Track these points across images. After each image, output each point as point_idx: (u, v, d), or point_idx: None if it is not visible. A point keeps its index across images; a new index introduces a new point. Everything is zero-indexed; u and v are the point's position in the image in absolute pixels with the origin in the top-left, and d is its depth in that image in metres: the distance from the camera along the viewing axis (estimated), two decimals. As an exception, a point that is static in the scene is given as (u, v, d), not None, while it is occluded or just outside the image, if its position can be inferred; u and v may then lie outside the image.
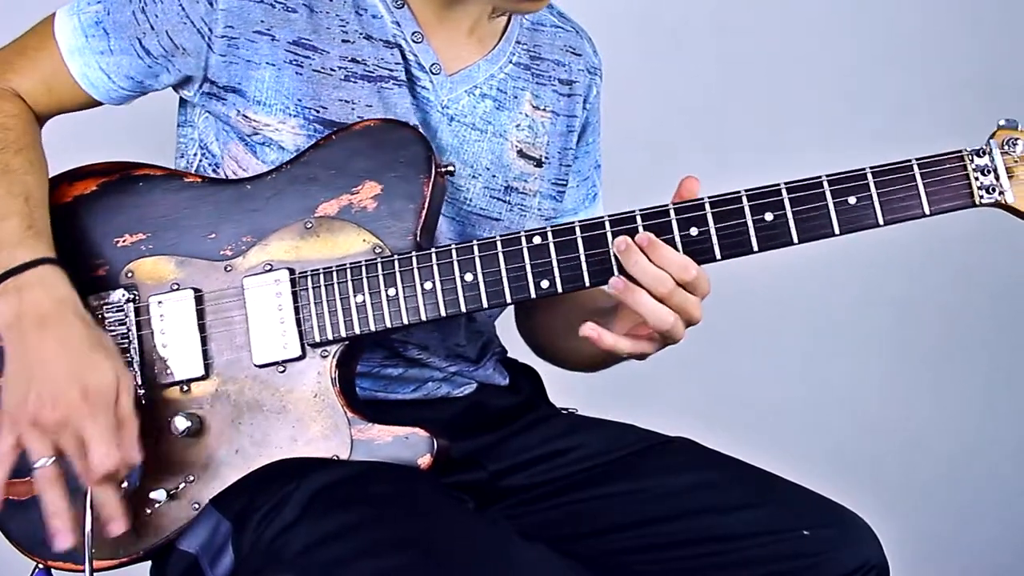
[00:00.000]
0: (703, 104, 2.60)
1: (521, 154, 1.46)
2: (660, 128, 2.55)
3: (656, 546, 1.37)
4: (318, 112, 1.34)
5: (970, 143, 1.21)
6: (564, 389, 1.57)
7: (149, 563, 1.38)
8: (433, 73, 1.40)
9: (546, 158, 1.49)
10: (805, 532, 1.35)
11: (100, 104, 1.42)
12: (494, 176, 1.44)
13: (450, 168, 1.33)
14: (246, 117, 1.34)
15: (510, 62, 1.47)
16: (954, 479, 2.76)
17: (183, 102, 1.44)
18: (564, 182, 1.53)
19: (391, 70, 1.38)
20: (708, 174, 2.68)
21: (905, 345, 2.74)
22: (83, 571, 1.26)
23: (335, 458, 1.26)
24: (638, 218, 1.24)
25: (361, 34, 1.37)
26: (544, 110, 1.49)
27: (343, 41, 1.36)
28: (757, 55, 2.62)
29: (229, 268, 1.31)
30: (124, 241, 1.33)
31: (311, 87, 1.34)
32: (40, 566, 1.35)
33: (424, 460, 1.26)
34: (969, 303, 2.72)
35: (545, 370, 1.58)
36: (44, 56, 1.39)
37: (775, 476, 1.43)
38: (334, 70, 1.35)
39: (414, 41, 1.39)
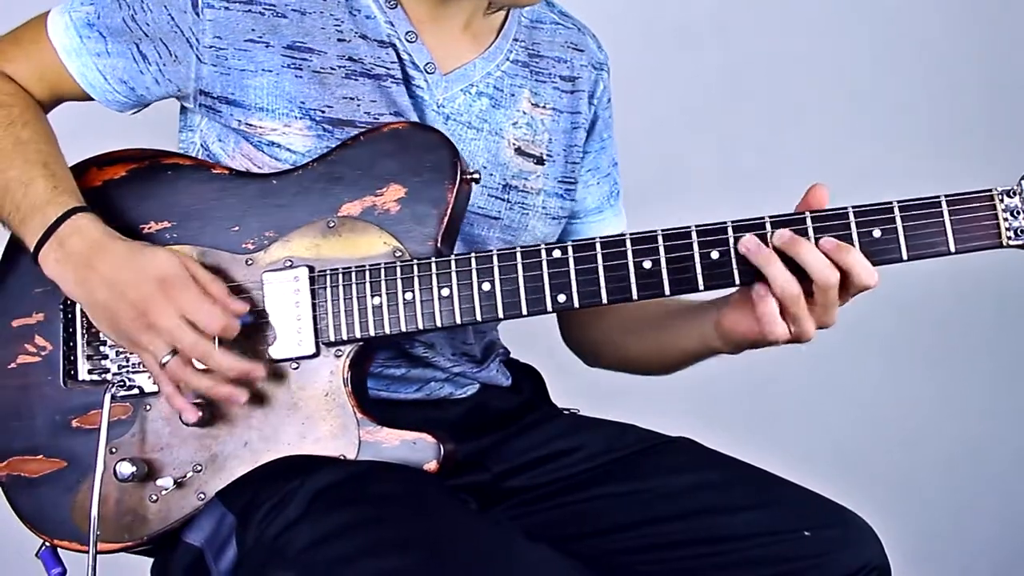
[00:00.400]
0: (706, 105, 2.59)
1: (519, 152, 1.46)
2: (663, 130, 2.54)
3: (657, 546, 1.36)
4: (324, 112, 1.34)
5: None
6: (566, 390, 1.57)
7: (150, 563, 1.40)
8: (428, 72, 1.40)
9: (548, 156, 1.48)
10: (806, 533, 1.34)
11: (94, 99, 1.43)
12: (491, 175, 1.43)
13: (476, 176, 1.33)
14: (250, 125, 1.34)
15: (507, 59, 1.46)
16: (954, 479, 2.74)
17: (183, 108, 1.45)
18: (572, 180, 1.52)
19: (388, 68, 1.38)
20: (711, 175, 2.67)
21: (906, 345, 2.72)
22: (87, 551, 1.28)
23: (342, 458, 1.27)
24: (659, 237, 1.23)
25: (356, 33, 1.37)
26: (544, 107, 1.48)
27: (339, 40, 1.36)
28: (761, 57, 2.61)
29: (250, 262, 1.32)
30: (150, 228, 1.35)
31: (313, 88, 1.34)
32: (47, 544, 1.37)
33: (430, 466, 1.26)
34: (970, 303, 2.69)
35: (546, 371, 1.58)
36: (37, 50, 1.40)
37: (776, 476, 1.42)
38: (334, 69, 1.35)
39: (408, 41, 1.39)
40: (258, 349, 1.29)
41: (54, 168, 1.34)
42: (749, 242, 1.20)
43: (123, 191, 1.37)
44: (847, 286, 1.21)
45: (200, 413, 1.27)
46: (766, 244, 1.20)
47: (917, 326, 2.70)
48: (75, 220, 1.28)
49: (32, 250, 1.30)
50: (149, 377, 1.31)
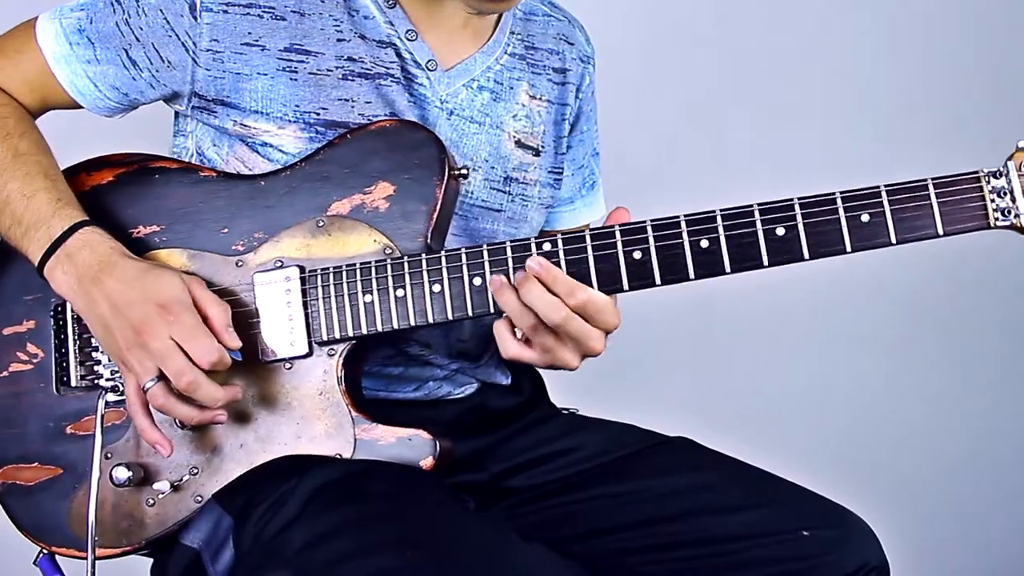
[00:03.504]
0: (705, 100, 2.60)
1: (519, 144, 1.46)
2: (662, 125, 2.55)
3: (655, 547, 1.36)
4: (318, 114, 1.34)
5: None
6: (565, 389, 1.57)
7: (150, 563, 1.40)
8: (429, 69, 1.40)
9: (542, 147, 1.50)
10: (805, 533, 1.35)
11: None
12: (493, 168, 1.44)
13: (463, 171, 1.33)
14: (245, 126, 1.35)
15: (505, 53, 1.47)
16: (954, 479, 2.75)
17: (176, 114, 1.45)
18: (560, 170, 1.53)
19: (387, 68, 1.38)
20: (709, 170, 2.68)
21: (906, 345, 2.73)
22: (86, 558, 1.28)
23: (338, 456, 1.27)
24: (648, 228, 1.24)
25: (355, 33, 1.37)
26: (540, 99, 1.49)
27: (338, 41, 1.36)
28: (759, 52, 2.62)
29: (240, 263, 1.31)
30: (138, 232, 1.34)
31: (308, 91, 1.34)
32: (44, 552, 1.36)
33: (426, 462, 1.26)
34: (970, 302, 2.71)
35: (546, 371, 1.58)
36: (25, 59, 1.39)
37: (775, 476, 1.43)
38: (331, 70, 1.35)
39: (408, 39, 1.39)
40: (250, 351, 1.29)
41: (55, 180, 1.33)
42: (493, 282, 1.23)
43: (112, 196, 1.36)
44: (593, 324, 1.21)
45: (171, 449, 1.27)
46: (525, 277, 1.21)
47: (917, 326, 2.71)
48: (84, 234, 1.28)
49: (37, 263, 1.28)
50: None
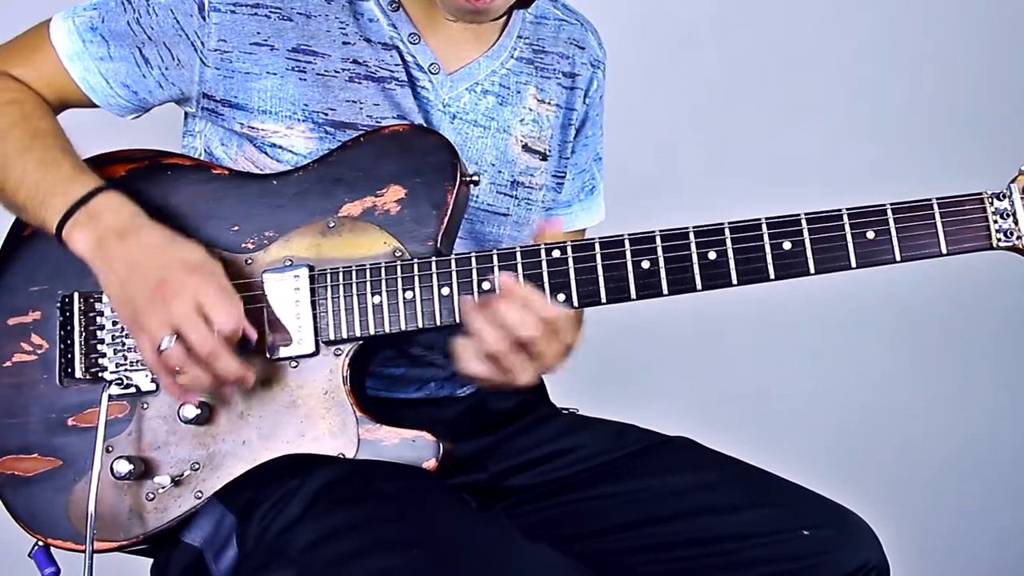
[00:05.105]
0: (707, 104, 2.61)
1: (526, 148, 1.48)
2: (664, 129, 2.57)
3: (656, 546, 1.37)
4: (326, 115, 1.36)
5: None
6: (565, 389, 1.58)
7: (150, 562, 1.39)
8: (432, 73, 1.41)
9: (549, 151, 1.51)
10: (805, 532, 1.35)
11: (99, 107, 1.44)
12: (500, 172, 1.45)
13: (475, 178, 1.34)
14: (252, 127, 1.36)
15: (511, 57, 1.48)
16: (954, 479, 2.76)
17: (186, 114, 1.46)
18: (563, 174, 1.55)
19: (392, 71, 1.39)
20: (711, 176, 2.69)
21: (906, 345, 2.74)
22: (83, 551, 1.27)
23: (341, 456, 1.27)
24: (657, 238, 1.25)
25: (360, 36, 1.39)
26: (548, 103, 1.51)
27: (344, 43, 1.38)
28: (759, 56, 2.64)
29: (250, 261, 1.32)
30: None
31: (317, 91, 1.36)
32: (40, 544, 1.36)
33: (429, 464, 1.27)
34: (970, 303, 2.72)
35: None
36: (40, 56, 1.40)
37: (774, 476, 1.43)
38: (338, 72, 1.37)
39: (411, 43, 1.41)
40: (258, 348, 1.29)
41: (74, 152, 1.34)
42: (465, 302, 1.25)
43: (123, 191, 1.36)
44: (556, 339, 1.23)
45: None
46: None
47: (917, 326, 2.72)
48: (107, 197, 1.28)
49: (56, 226, 1.28)
50: (147, 375, 1.32)
